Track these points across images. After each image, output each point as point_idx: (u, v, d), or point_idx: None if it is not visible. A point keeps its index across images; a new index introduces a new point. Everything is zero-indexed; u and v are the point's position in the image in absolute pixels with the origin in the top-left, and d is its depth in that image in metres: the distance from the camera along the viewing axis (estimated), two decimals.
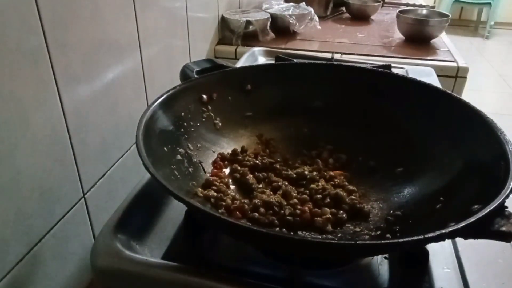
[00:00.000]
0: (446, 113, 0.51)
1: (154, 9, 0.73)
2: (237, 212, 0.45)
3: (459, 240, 0.46)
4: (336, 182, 0.51)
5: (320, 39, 1.24)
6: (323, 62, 0.70)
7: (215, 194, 0.47)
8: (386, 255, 0.45)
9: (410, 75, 0.87)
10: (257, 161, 0.54)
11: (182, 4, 0.86)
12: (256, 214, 0.45)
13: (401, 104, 0.55)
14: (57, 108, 0.51)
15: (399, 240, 0.33)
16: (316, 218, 0.45)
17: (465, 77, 1.06)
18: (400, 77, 0.61)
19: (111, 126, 0.64)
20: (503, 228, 0.33)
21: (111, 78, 0.62)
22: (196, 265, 0.40)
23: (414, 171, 0.49)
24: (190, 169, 0.49)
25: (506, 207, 0.34)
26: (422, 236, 0.32)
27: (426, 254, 0.42)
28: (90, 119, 0.58)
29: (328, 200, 0.48)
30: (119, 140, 0.66)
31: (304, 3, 1.33)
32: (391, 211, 0.47)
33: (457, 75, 1.06)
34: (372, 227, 0.45)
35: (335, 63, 0.80)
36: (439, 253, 0.45)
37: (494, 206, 0.33)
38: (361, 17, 1.50)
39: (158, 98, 0.49)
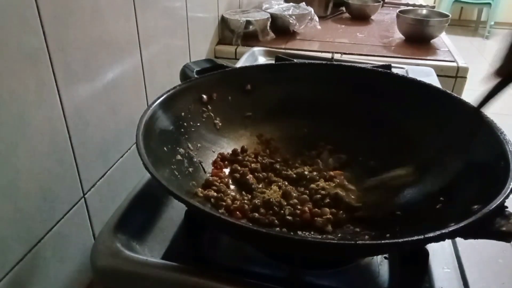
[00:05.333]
0: (446, 113, 0.51)
1: (154, 9, 0.73)
2: (237, 212, 0.46)
3: (459, 240, 0.46)
4: (336, 182, 0.51)
5: (320, 39, 1.24)
6: (323, 62, 0.70)
7: (215, 194, 0.47)
8: (386, 255, 0.45)
9: (410, 75, 0.87)
10: (258, 161, 0.54)
11: (182, 4, 0.86)
12: (256, 214, 0.45)
13: (401, 104, 0.55)
14: (57, 108, 0.51)
15: (399, 240, 0.33)
16: (316, 218, 0.45)
17: (465, 77, 1.06)
18: (400, 77, 0.61)
19: (111, 126, 0.64)
20: (503, 228, 0.33)
21: (111, 78, 0.62)
22: (196, 265, 0.40)
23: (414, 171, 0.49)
24: (190, 169, 0.49)
25: (506, 207, 0.34)
26: (422, 236, 0.32)
27: (426, 254, 0.42)
28: (90, 119, 0.58)
29: (328, 200, 0.48)
30: (119, 140, 0.66)
31: (304, 3, 1.33)
32: (391, 211, 0.47)
33: (457, 75, 1.06)
34: (372, 227, 0.45)
35: (335, 63, 0.80)
36: (439, 253, 0.45)
37: (494, 206, 0.33)
38: (361, 17, 1.50)
39: (158, 98, 0.49)
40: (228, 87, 0.58)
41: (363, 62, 0.94)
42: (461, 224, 0.32)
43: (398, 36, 1.28)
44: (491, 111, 0.45)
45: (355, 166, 0.54)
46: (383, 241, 0.38)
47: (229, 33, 1.14)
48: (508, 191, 0.35)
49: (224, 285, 0.38)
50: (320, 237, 0.44)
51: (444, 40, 1.24)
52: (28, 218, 0.48)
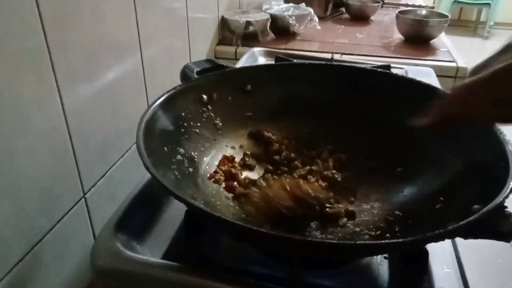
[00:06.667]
0: None
1: (154, 10, 0.73)
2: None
3: (459, 240, 0.46)
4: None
5: (320, 40, 1.24)
6: (323, 62, 0.70)
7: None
8: (386, 255, 0.45)
9: (410, 75, 0.87)
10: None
11: (183, 4, 0.86)
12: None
13: (400, 104, 0.55)
14: (57, 108, 0.51)
15: (399, 240, 0.33)
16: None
17: (465, 77, 1.06)
18: (400, 77, 0.61)
19: (111, 126, 0.64)
20: (503, 228, 0.33)
21: (111, 78, 0.62)
22: (196, 265, 0.40)
23: (414, 171, 0.49)
24: (190, 169, 0.49)
25: (506, 207, 0.34)
26: (422, 236, 0.32)
27: (426, 254, 0.42)
28: (90, 119, 0.58)
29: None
30: (119, 140, 0.66)
31: (304, 3, 1.33)
32: (391, 211, 0.47)
33: (457, 75, 1.06)
34: (372, 227, 0.45)
35: (335, 63, 0.80)
36: (439, 253, 0.45)
37: (494, 206, 0.33)
38: (360, 18, 1.51)
39: (159, 98, 0.49)
40: (228, 87, 0.58)
41: (362, 62, 0.94)
42: (461, 224, 0.32)
43: (398, 36, 1.28)
44: None
45: (355, 166, 0.54)
46: (383, 241, 0.39)
47: (229, 33, 1.14)
48: (508, 191, 0.35)
49: (224, 285, 0.38)
50: (320, 237, 0.44)
51: (443, 41, 1.24)
52: (28, 218, 0.48)
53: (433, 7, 1.60)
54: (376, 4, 1.52)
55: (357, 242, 0.33)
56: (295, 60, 0.77)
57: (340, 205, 0.48)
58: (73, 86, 0.54)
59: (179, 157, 0.48)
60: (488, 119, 0.35)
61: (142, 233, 0.47)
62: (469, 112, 0.34)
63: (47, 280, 0.53)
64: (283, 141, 0.58)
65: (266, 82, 0.60)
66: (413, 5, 1.65)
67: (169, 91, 0.51)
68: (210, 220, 0.40)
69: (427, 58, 1.11)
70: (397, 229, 0.43)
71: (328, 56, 1.00)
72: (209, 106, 0.56)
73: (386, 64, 0.84)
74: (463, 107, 0.34)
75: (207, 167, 0.52)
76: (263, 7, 1.29)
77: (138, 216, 0.48)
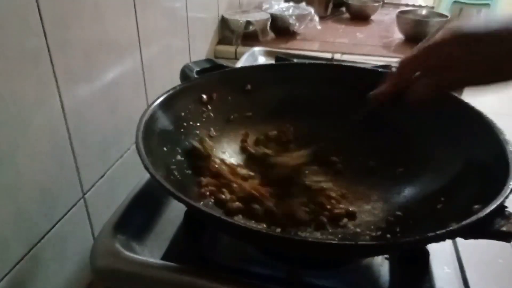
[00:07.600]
0: (446, 113, 0.51)
1: (154, 9, 0.73)
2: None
3: (459, 240, 0.46)
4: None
5: (320, 39, 1.24)
6: (323, 62, 0.70)
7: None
8: (387, 256, 0.45)
9: None
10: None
11: (182, 4, 0.86)
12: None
13: (401, 104, 0.55)
14: (57, 108, 0.51)
15: (399, 240, 0.33)
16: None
17: None
18: None
19: (111, 126, 0.64)
20: (503, 228, 0.33)
21: (111, 78, 0.62)
22: (196, 265, 0.40)
23: (414, 171, 0.49)
24: (190, 169, 0.49)
25: (506, 207, 0.34)
26: (422, 236, 0.32)
27: (426, 254, 0.42)
28: (90, 119, 0.58)
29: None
30: (119, 140, 0.66)
31: (304, 3, 1.33)
32: (392, 211, 0.47)
33: None
34: (372, 227, 0.45)
35: (335, 63, 0.80)
36: (439, 253, 0.45)
37: (494, 206, 0.33)
38: (361, 17, 1.50)
39: (158, 98, 0.49)
40: (228, 87, 0.58)
41: (363, 62, 0.94)
42: (461, 224, 0.32)
43: (398, 36, 1.28)
44: (491, 111, 0.45)
45: (355, 166, 0.54)
46: (383, 241, 0.39)
47: (229, 33, 1.14)
48: (508, 191, 0.35)
49: (224, 285, 0.38)
50: (320, 237, 0.44)
51: None
52: (28, 218, 0.48)
53: (433, 7, 1.60)
54: (377, 4, 1.52)
55: (357, 242, 0.33)
56: (295, 60, 0.77)
57: (340, 206, 0.48)
58: (73, 86, 0.54)
59: (179, 157, 0.48)
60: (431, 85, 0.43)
61: (142, 234, 0.47)
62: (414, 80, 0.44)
63: (47, 280, 0.53)
64: None
65: (266, 82, 0.60)
66: (413, 5, 1.65)
67: (168, 91, 0.51)
68: (210, 220, 0.40)
69: None
70: (397, 230, 0.43)
71: (329, 55, 1.00)
72: (209, 106, 0.56)
73: (387, 64, 0.83)
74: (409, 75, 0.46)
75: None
76: (263, 6, 1.29)
77: (137, 216, 0.48)
